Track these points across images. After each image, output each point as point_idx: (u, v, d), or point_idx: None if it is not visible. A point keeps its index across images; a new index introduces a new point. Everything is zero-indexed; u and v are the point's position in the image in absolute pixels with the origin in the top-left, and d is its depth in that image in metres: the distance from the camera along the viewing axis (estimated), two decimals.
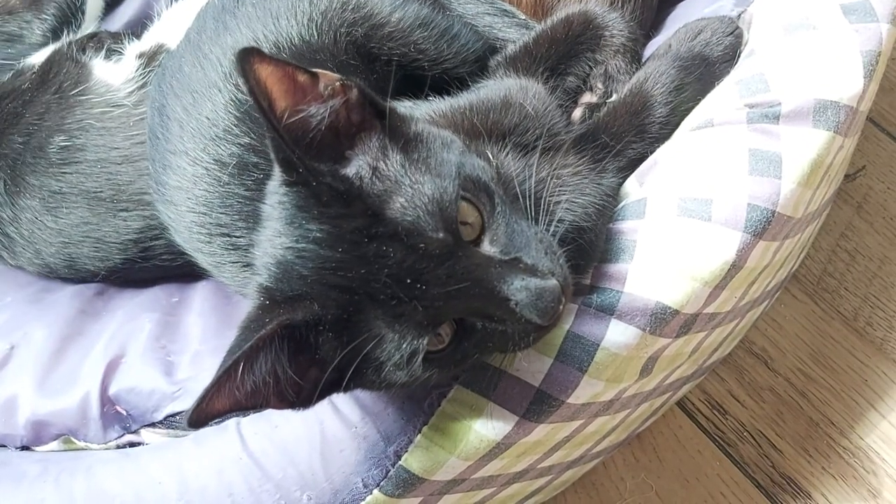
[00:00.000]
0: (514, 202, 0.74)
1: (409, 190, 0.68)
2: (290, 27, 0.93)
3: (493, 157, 0.78)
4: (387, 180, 0.68)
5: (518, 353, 0.73)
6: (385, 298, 0.66)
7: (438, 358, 0.70)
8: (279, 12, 0.95)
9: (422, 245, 0.66)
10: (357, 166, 0.69)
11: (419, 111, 0.85)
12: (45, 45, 1.25)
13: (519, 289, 0.67)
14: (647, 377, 0.91)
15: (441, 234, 0.66)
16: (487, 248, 0.70)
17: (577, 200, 0.83)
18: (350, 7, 0.95)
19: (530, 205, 0.75)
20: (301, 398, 0.69)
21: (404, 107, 0.88)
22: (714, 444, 1.23)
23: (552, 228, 0.75)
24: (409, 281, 0.65)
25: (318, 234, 0.67)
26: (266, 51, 0.90)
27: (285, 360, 0.66)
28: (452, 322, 0.69)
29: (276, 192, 0.71)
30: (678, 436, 1.24)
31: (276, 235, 0.70)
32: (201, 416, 0.63)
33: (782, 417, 1.22)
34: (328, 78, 0.67)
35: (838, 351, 1.26)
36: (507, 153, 0.82)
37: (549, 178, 0.81)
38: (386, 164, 0.69)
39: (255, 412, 0.85)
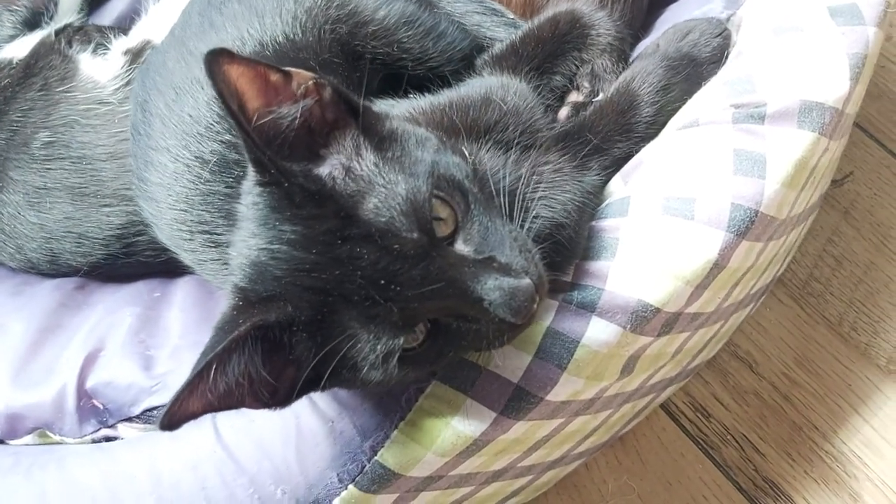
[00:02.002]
0: (489, 200, 0.73)
1: (383, 190, 0.68)
2: (274, 25, 0.93)
3: (470, 154, 0.78)
4: (360, 180, 0.68)
5: (493, 350, 0.73)
6: (359, 300, 0.66)
7: (413, 357, 0.69)
8: (264, 10, 0.94)
9: (396, 246, 0.66)
10: (331, 166, 0.69)
11: (399, 109, 0.85)
12: (16, 37, 1.24)
13: (492, 288, 0.66)
14: (629, 376, 0.90)
15: (415, 235, 0.66)
16: (461, 247, 0.69)
17: (557, 197, 0.82)
18: (335, 4, 0.94)
19: (507, 202, 0.75)
20: (277, 398, 0.69)
21: (385, 104, 0.87)
22: (697, 446, 1.22)
23: (528, 225, 0.75)
24: (383, 282, 0.65)
25: (291, 236, 0.67)
26: (250, 49, 0.91)
27: (259, 360, 0.66)
28: (427, 321, 0.69)
29: (250, 192, 0.71)
30: (661, 438, 1.23)
31: (250, 236, 0.70)
32: (174, 418, 0.62)
33: (766, 421, 1.22)
34: (301, 77, 0.67)
35: (823, 355, 1.25)
36: (487, 150, 0.82)
37: (528, 175, 0.81)
38: (359, 164, 0.69)
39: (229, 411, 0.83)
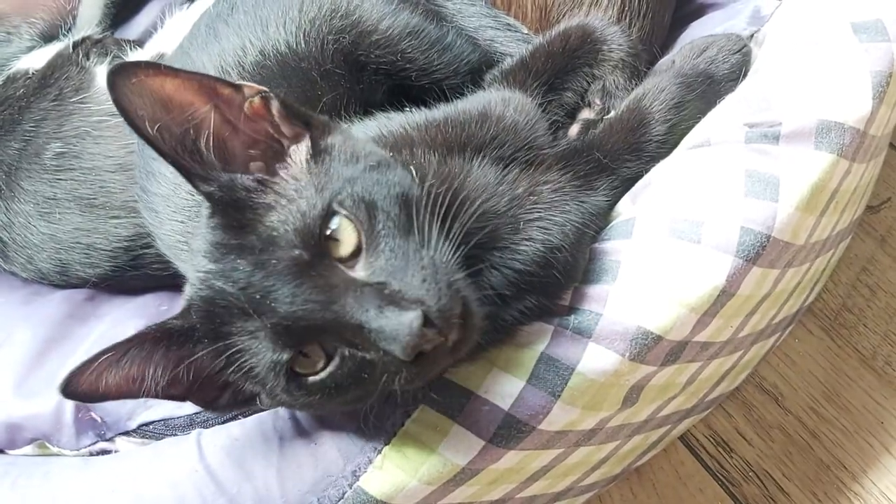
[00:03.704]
0: (421, 220, 0.68)
1: (288, 204, 0.67)
2: (277, 34, 0.93)
3: (461, 171, 0.76)
4: (272, 193, 0.68)
5: (398, 389, 0.68)
6: (239, 313, 0.66)
7: (317, 384, 0.67)
8: (269, 20, 0.94)
9: (273, 261, 0.65)
10: (254, 179, 0.69)
11: (394, 124, 0.84)
12: (34, 48, 1.25)
13: (374, 317, 0.63)
14: (632, 407, 0.86)
15: (296, 252, 0.65)
16: (358, 269, 0.66)
17: (554, 218, 0.79)
18: (339, 14, 0.94)
19: (495, 223, 0.73)
20: (215, 402, 0.74)
21: (382, 119, 0.86)
22: (717, 482, 1.16)
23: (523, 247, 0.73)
24: (258, 297, 0.65)
25: (202, 244, 0.69)
26: (252, 58, 0.91)
27: (160, 360, 0.69)
28: (320, 347, 0.67)
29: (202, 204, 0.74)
30: (679, 472, 1.18)
31: (194, 244, 0.73)
32: (72, 392, 0.68)
33: (791, 458, 1.16)
34: (251, 89, 0.68)
35: (854, 390, 1.19)
36: (483, 167, 0.79)
37: (524, 196, 0.78)
38: (287, 176, 0.69)
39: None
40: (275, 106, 0.70)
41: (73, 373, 0.67)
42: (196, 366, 0.70)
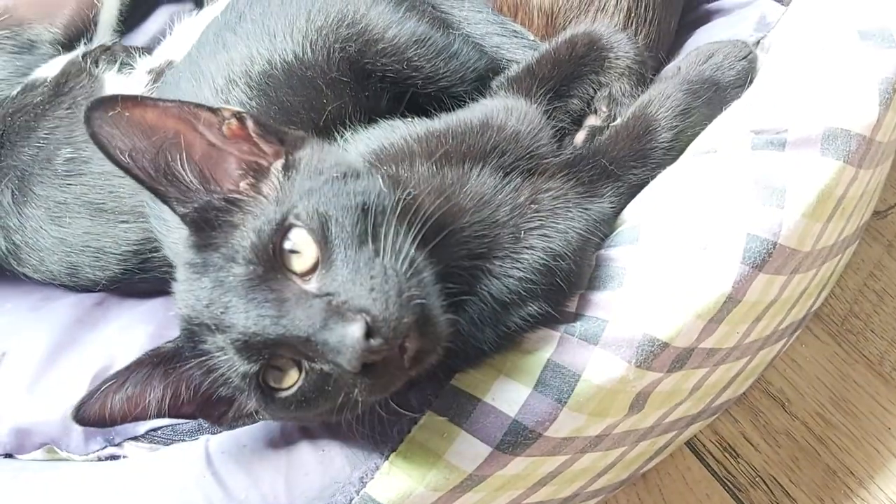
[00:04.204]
0: (372, 231, 0.67)
1: (251, 221, 0.68)
2: (284, 44, 0.93)
3: (457, 181, 0.77)
4: (239, 212, 0.70)
5: (359, 401, 0.67)
6: (207, 330, 0.67)
7: (290, 398, 0.68)
8: (276, 29, 0.94)
9: (230, 278, 0.66)
10: (226, 199, 0.71)
11: (396, 134, 0.84)
12: (55, 56, 1.26)
13: (318, 329, 0.63)
14: (639, 413, 0.86)
15: (251, 266, 0.66)
16: (312, 282, 0.66)
17: (556, 226, 0.79)
18: (346, 23, 0.94)
19: (494, 233, 0.74)
20: (222, 416, 0.76)
21: (383, 128, 0.87)
22: (724, 488, 1.16)
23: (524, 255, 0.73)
24: (219, 313, 0.66)
25: (180, 264, 0.72)
26: (259, 68, 0.92)
27: (157, 382, 0.73)
28: (291, 360, 0.67)
29: None
30: (686, 478, 1.18)
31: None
32: (83, 418, 0.72)
33: (798, 464, 1.16)
34: (228, 111, 0.70)
35: (861, 396, 1.19)
36: (482, 176, 0.79)
37: (525, 204, 0.78)
38: (250, 195, 0.71)
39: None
40: (250, 125, 0.71)
41: (81, 402, 0.71)
42: (192, 383, 0.72)
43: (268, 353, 0.66)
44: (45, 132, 1.16)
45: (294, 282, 0.66)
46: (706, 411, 1.09)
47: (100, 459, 0.98)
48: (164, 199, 0.70)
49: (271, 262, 0.66)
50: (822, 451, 1.16)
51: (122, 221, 1.11)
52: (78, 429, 0.98)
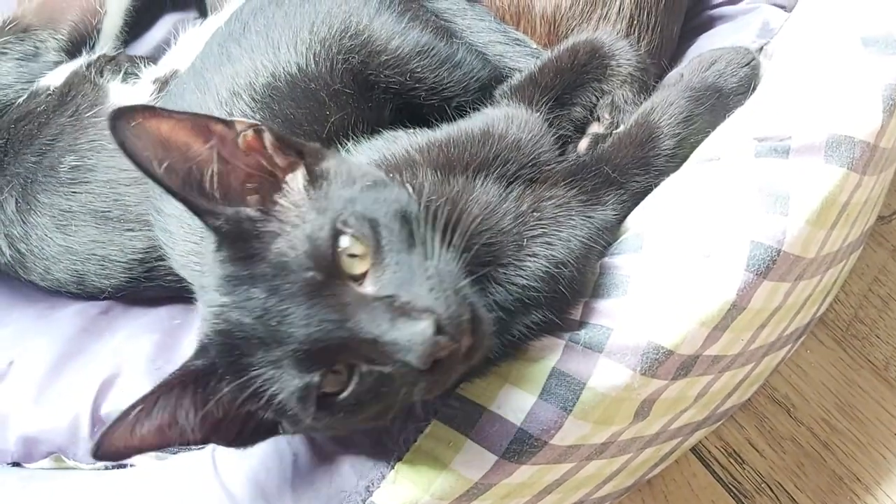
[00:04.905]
0: (422, 234, 0.69)
1: (292, 230, 0.68)
2: (288, 56, 0.93)
3: (462, 190, 0.76)
4: (276, 221, 0.69)
5: (417, 401, 0.68)
6: (258, 342, 0.65)
7: (339, 403, 0.67)
8: (280, 41, 0.95)
9: (286, 286, 0.65)
10: (256, 209, 0.70)
11: (399, 145, 0.84)
12: (59, 63, 1.27)
13: (386, 330, 0.63)
14: (644, 421, 0.86)
15: (310, 273, 0.65)
16: (367, 285, 0.67)
17: (558, 234, 0.79)
18: (349, 34, 0.94)
19: (498, 240, 0.73)
20: (238, 438, 0.72)
21: (385, 140, 0.87)
22: (729, 494, 1.16)
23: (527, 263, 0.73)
24: (274, 323, 0.65)
25: (212, 279, 0.69)
26: (263, 80, 0.92)
27: (189, 404, 0.68)
28: (347, 364, 0.66)
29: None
30: (691, 484, 1.18)
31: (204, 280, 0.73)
32: (105, 452, 0.67)
33: (803, 470, 1.16)
34: (242, 124, 0.69)
35: (866, 401, 1.18)
36: (485, 185, 0.79)
37: (528, 212, 0.79)
38: (286, 204, 0.70)
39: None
40: (268, 138, 0.70)
41: (103, 435, 0.66)
42: (223, 402, 0.69)
43: (328, 360, 0.65)
44: (49, 139, 1.16)
45: (350, 286, 0.66)
46: (711, 417, 1.09)
47: (107, 468, 0.98)
48: (196, 212, 0.68)
49: (328, 268, 0.65)
50: (827, 457, 1.16)
51: (128, 230, 1.11)
52: (85, 437, 0.98)
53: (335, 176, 0.72)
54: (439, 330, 0.62)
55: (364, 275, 0.67)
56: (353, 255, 0.66)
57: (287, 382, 0.66)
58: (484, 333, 0.68)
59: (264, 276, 0.66)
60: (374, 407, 0.68)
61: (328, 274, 0.65)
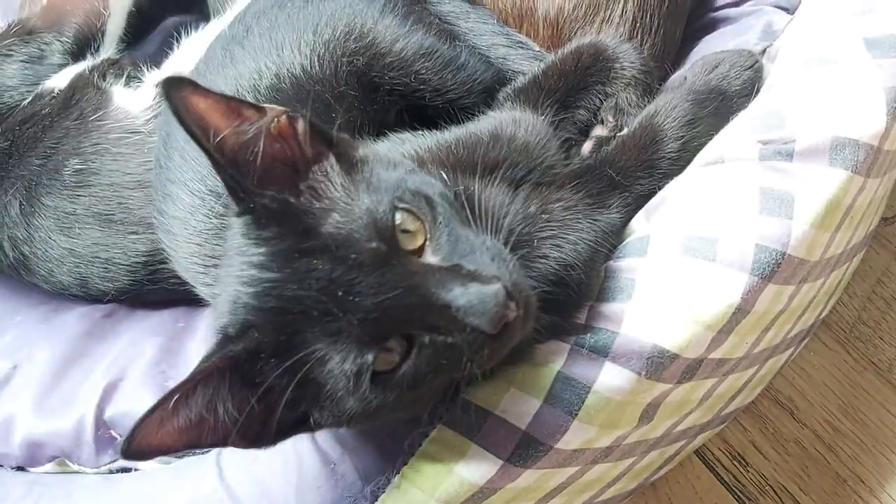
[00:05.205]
0: (463, 216, 0.71)
1: (346, 206, 0.67)
2: (292, 58, 0.93)
3: (474, 190, 0.76)
4: (325, 199, 0.68)
5: (477, 372, 0.68)
6: (319, 315, 0.64)
7: (389, 378, 0.66)
8: (283, 43, 0.95)
9: (353, 255, 0.64)
10: (299, 190, 0.69)
11: (406, 147, 0.84)
12: (63, 66, 1.27)
13: (459, 294, 0.63)
14: (649, 424, 0.86)
15: (374, 244, 0.65)
16: (429, 257, 0.67)
17: (567, 236, 0.79)
18: (353, 36, 0.94)
19: (511, 241, 0.73)
20: (265, 436, 0.68)
21: (394, 141, 0.86)
22: (733, 496, 1.17)
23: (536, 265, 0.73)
24: (340, 293, 0.63)
25: (256, 258, 0.66)
26: (267, 82, 0.91)
27: (226, 394, 0.64)
28: (402, 339, 0.66)
29: (231, 225, 0.72)
30: (695, 486, 1.18)
31: (227, 266, 0.70)
32: (133, 448, 0.61)
33: (807, 472, 1.16)
34: (274, 112, 0.68)
35: (870, 403, 1.19)
36: (495, 187, 0.79)
37: (537, 214, 0.79)
38: (327, 185, 0.69)
39: (203, 450, 0.83)
40: (300, 126, 0.70)
41: (137, 426, 0.61)
42: (267, 391, 0.65)
43: (392, 330, 0.65)
44: (53, 142, 1.16)
45: (412, 258, 0.66)
46: (715, 420, 1.09)
47: (111, 472, 0.98)
48: (238, 189, 0.66)
49: (390, 240, 0.66)
50: (831, 459, 1.16)
51: (131, 232, 1.12)
52: (89, 441, 0.98)
53: (375, 161, 0.72)
54: (510, 295, 0.64)
55: (421, 248, 0.67)
56: (405, 231, 0.67)
57: (344, 356, 0.64)
58: (532, 305, 0.69)
59: (325, 247, 0.65)
60: (430, 383, 0.67)
61: (391, 246, 0.65)
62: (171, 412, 0.62)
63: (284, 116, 0.68)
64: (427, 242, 0.68)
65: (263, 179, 0.67)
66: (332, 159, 0.71)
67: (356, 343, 0.64)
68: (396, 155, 0.76)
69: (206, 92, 0.64)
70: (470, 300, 0.63)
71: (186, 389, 0.62)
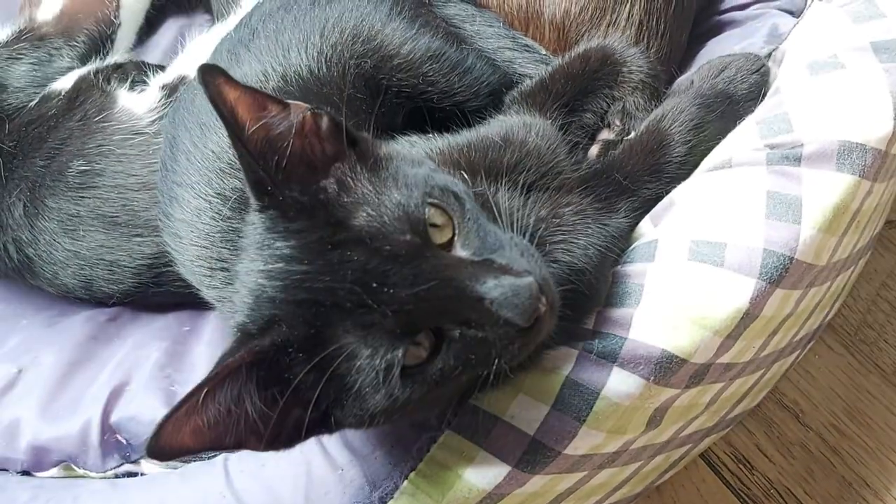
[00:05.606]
0: (488, 213, 0.72)
1: (376, 200, 0.67)
2: (299, 60, 0.93)
3: (485, 191, 0.76)
4: (354, 194, 0.68)
5: (505, 367, 0.67)
6: (352, 307, 0.63)
7: (417, 374, 0.65)
8: (290, 45, 0.95)
9: (387, 247, 0.64)
10: (326, 184, 0.69)
11: (417, 149, 0.84)
12: (71, 69, 1.27)
13: (493, 287, 0.63)
14: (656, 429, 0.86)
15: (408, 236, 0.65)
16: (459, 251, 0.67)
17: (577, 241, 0.79)
18: (361, 39, 0.94)
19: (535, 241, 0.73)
20: (282, 437, 0.66)
21: (404, 143, 0.86)
22: (738, 500, 1.16)
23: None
24: (374, 285, 0.63)
25: (284, 251, 0.66)
26: (273, 84, 0.91)
27: (254, 390, 0.63)
28: (430, 333, 0.65)
29: (250, 222, 0.71)
30: (700, 490, 1.18)
31: (248, 262, 0.69)
32: (159, 446, 0.60)
33: (812, 475, 1.16)
34: (299, 108, 0.67)
35: (875, 407, 1.18)
36: (506, 191, 0.79)
37: (548, 218, 0.79)
38: (354, 182, 0.69)
39: (228, 452, 0.82)
40: (324, 123, 0.70)
41: (162, 424, 0.59)
42: (293, 387, 0.64)
43: (425, 322, 0.64)
44: (57, 143, 1.16)
45: (443, 252, 0.66)
46: (721, 424, 1.09)
47: (117, 476, 0.98)
48: (266, 174, 0.66)
49: (423, 234, 0.66)
50: (836, 463, 1.16)
51: (136, 235, 1.11)
52: (95, 445, 0.98)
53: (400, 159, 0.72)
54: (539, 289, 0.64)
55: (450, 242, 0.67)
56: (434, 225, 0.67)
57: (374, 350, 0.63)
58: (556, 301, 0.69)
59: (359, 239, 0.64)
60: (457, 379, 0.66)
61: (422, 238, 0.66)
62: (199, 407, 0.60)
63: (309, 113, 0.68)
64: (455, 237, 0.68)
65: (289, 173, 0.67)
66: (354, 157, 0.71)
67: (388, 336, 0.63)
68: (418, 154, 0.76)
69: (235, 83, 0.63)
70: (504, 292, 0.63)
71: (214, 385, 0.61)
